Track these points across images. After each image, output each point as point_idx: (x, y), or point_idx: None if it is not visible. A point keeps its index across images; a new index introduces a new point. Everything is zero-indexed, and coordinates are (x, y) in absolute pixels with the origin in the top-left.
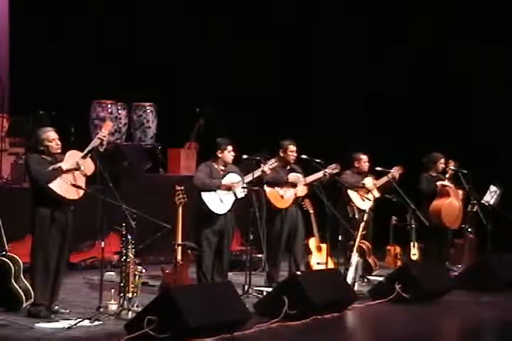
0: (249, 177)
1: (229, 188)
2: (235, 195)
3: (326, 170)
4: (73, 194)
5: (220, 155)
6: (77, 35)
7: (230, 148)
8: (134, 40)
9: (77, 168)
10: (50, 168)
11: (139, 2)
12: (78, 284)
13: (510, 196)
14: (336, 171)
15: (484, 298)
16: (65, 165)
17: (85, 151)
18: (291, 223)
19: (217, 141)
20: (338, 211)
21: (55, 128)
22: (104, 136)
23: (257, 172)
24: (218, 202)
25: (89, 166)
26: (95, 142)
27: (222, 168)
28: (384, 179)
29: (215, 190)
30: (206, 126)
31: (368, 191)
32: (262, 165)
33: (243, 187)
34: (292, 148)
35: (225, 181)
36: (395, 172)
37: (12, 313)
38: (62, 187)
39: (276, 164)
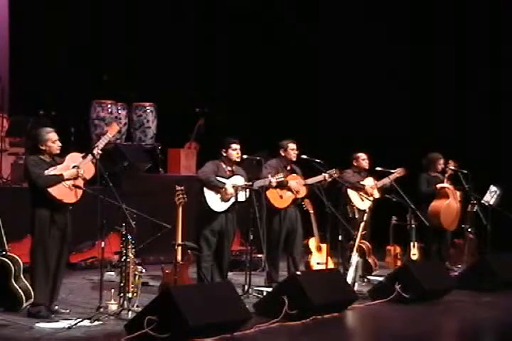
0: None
1: (227, 197)
2: (236, 197)
3: (326, 174)
4: (71, 197)
5: (224, 154)
6: (77, 35)
7: (233, 146)
8: (135, 40)
9: (76, 178)
10: (51, 172)
11: (139, 2)
12: (78, 284)
13: (510, 196)
14: (335, 176)
15: (484, 298)
16: (66, 173)
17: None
18: (289, 223)
19: (222, 139)
20: (338, 211)
21: (55, 128)
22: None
23: (262, 182)
24: (218, 200)
25: (88, 170)
26: (105, 139)
27: (229, 168)
28: (385, 180)
29: (216, 189)
30: (206, 126)
31: (367, 193)
32: (269, 176)
33: (243, 187)
34: (292, 146)
35: (230, 182)
36: (398, 173)
37: (12, 313)
38: (60, 190)
39: (282, 179)
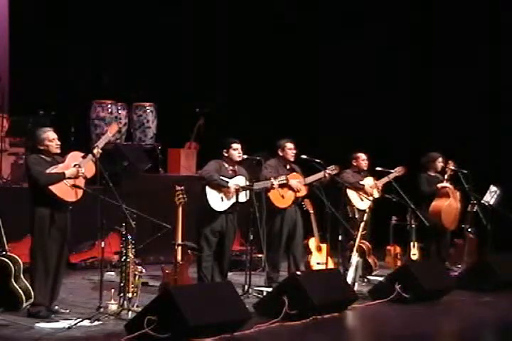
0: (254, 187)
1: (228, 193)
2: (237, 198)
3: (326, 171)
4: (72, 196)
5: (225, 154)
6: (78, 35)
7: (234, 146)
8: (135, 39)
9: (78, 177)
10: (53, 170)
11: (139, 1)
12: (78, 284)
13: (511, 196)
14: (335, 172)
15: (484, 298)
16: (67, 171)
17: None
18: (290, 223)
19: (223, 139)
20: (338, 211)
21: (55, 128)
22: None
23: (264, 184)
24: (219, 199)
25: (89, 169)
26: (105, 138)
27: (232, 168)
28: (385, 179)
29: (218, 188)
30: (206, 126)
31: (367, 193)
32: (272, 178)
33: (246, 188)
34: (290, 145)
35: (233, 182)
36: (397, 172)
37: (12, 313)
38: (61, 188)
39: (285, 181)
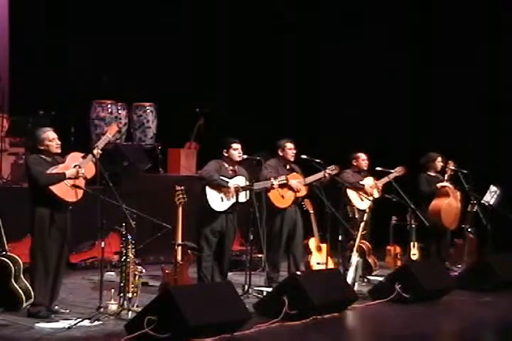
0: (254, 187)
1: (228, 193)
2: (237, 198)
3: (326, 171)
4: (72, 196)
5: (226, 154)
6: (78, 35)
7: (234, 146)
8: (134, 39)
9: (77, 177)
10: (54, 170)
11: (138, 2)
12: (78, 284)
13: (511, 196)
14: (335, 172)
15: (484, 298)
16: (68, 172)
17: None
18: (290, 223)
19: (223, 139)
20: (338, 211)
21: (55, 128)
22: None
23: (263, 184)
24: (219, 200)
25: (89, 169)
26: (105, 139)
27: (232, 168)
28: (385, 179)
29: (218, 188)
30: (206, 126)
31: (367, 193)
32: (272, 178)
33: (246, 188)
34: (290, 145)
35: (233, 182)
36: (397, 172)
37: (12, 313)
38: (62, 189)
39: (285, 182)
